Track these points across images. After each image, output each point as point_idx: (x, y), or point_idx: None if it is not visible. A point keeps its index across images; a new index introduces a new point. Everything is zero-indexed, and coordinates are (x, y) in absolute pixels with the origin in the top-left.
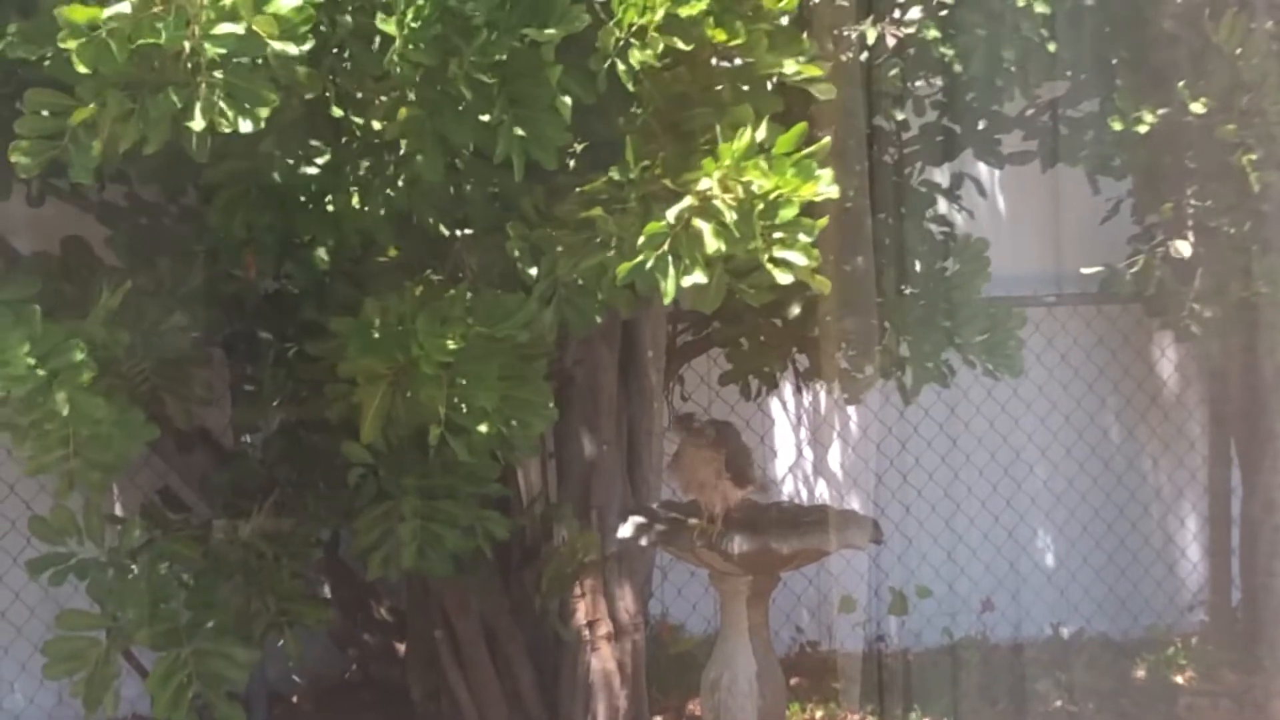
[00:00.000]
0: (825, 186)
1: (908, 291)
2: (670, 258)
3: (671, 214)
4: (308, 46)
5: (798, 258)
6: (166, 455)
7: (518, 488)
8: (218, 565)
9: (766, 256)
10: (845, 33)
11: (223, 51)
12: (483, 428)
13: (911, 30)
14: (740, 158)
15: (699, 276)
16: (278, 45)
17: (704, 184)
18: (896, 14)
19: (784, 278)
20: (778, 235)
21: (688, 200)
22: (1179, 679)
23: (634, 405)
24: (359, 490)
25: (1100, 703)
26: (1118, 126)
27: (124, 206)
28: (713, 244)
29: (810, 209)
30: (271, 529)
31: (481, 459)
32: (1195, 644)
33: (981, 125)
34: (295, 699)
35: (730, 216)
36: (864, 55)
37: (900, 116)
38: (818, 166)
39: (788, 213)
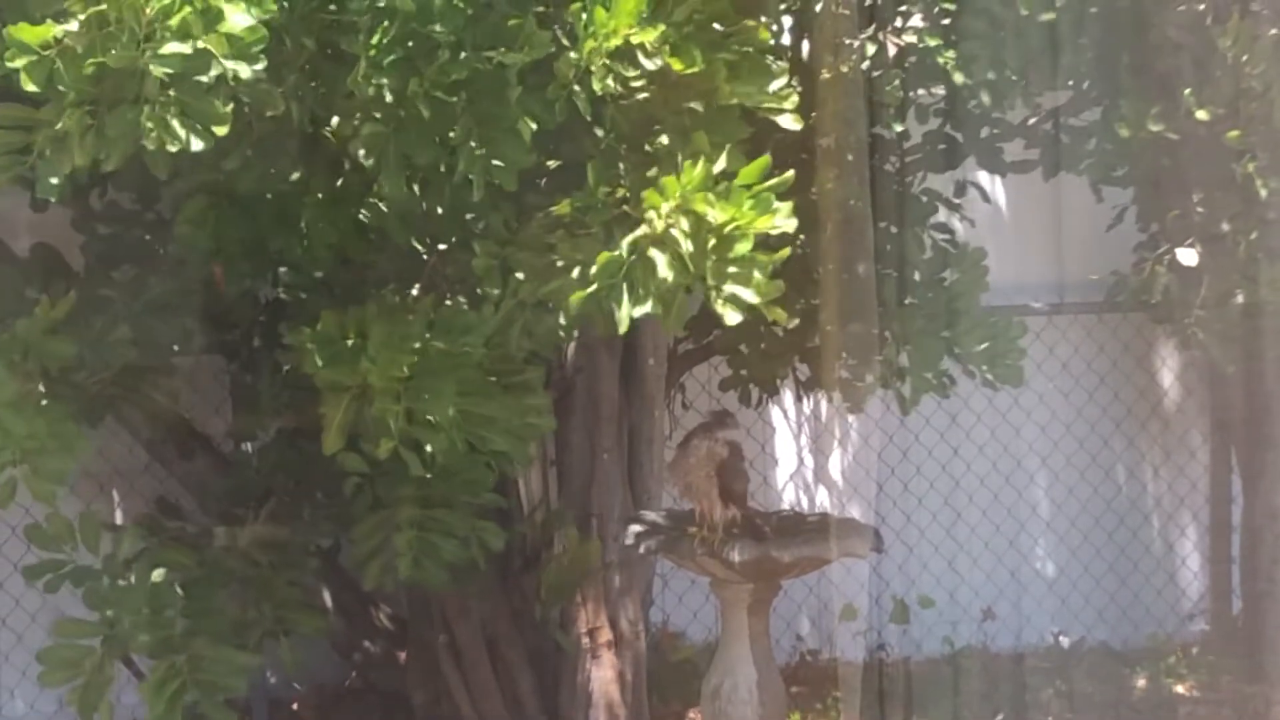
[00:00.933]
0: (782, 220)
1: (908, 301)
2: (624, 287)
3: (626, 244)
4: (260, 66)
5: (749, 295)
6: (167, 463)
7: (518, 495)
8: (214, 573)
9: (715, 295)
10: (846, 41)
11: (170, 71)
12: (438, 442)
13: (913, 39)
14: (693, 189)
15: (648, 307)
16: (230, 65)
17: (651, 214)
18: (898, 22)
19: (733, 317)
20: (731, 269)
21: (642, 230)
22: (1180, 688)
23: (635, 412)
24: (355, 499)
25: (1101, 712)
26: (1125, 134)
27: (98, 213)
28: (665, 274)
29: (770, 241)
30: (268, 537)
31: (474, 469)
32: (1196, 653)
33: (984, 133)
34: (296, 706)
35: (686, 247)
36: (865, 64)
37: (901, 126)
38: (776, 200)
39: (742, 247)
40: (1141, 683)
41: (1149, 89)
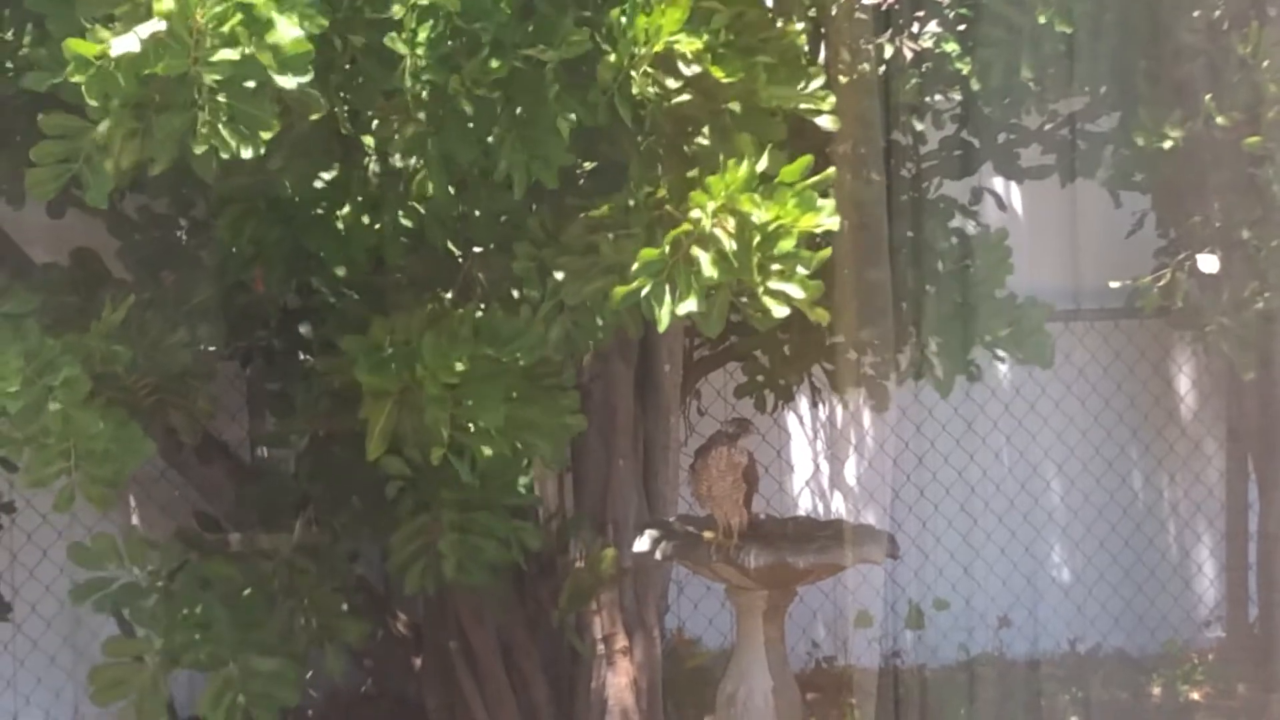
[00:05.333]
0: (826, 218)
1: (931, 290)
2: (666, 285)
3: (668, 241)
4: (307, 78)
5: (794, 290)
6: (184, 469)
7: (534, 501)
8: (259, 583)
9: (762, 289)
10: (863, 46)
11: (219, 78)
12: (487, 450)
13: (929, 44)
14: (737, 188)
15: (693, 304)
16: (277, 77)
17: (696, 214)
18: (915, 28)
19: (779, 310)
20: (775, 267)
21: (684, 227)
22: (1196, 695)
23: (650, 419)
24: (396, 504)
25: (1116, 719)
26: (1141, 141)
27: (135, 219)
28: (710, 272)
29: (817, 241)
30: (310, 545)
31: (511, 470)
32: (1212, 660)
33: (1000, 139)
34: (311, 713)
35: (729, 246)
36: (881, 69)
37: (919, 129)
38: (820, 197)
39: (786, 244)
40: (1157, 690)
41: (1166, 95)
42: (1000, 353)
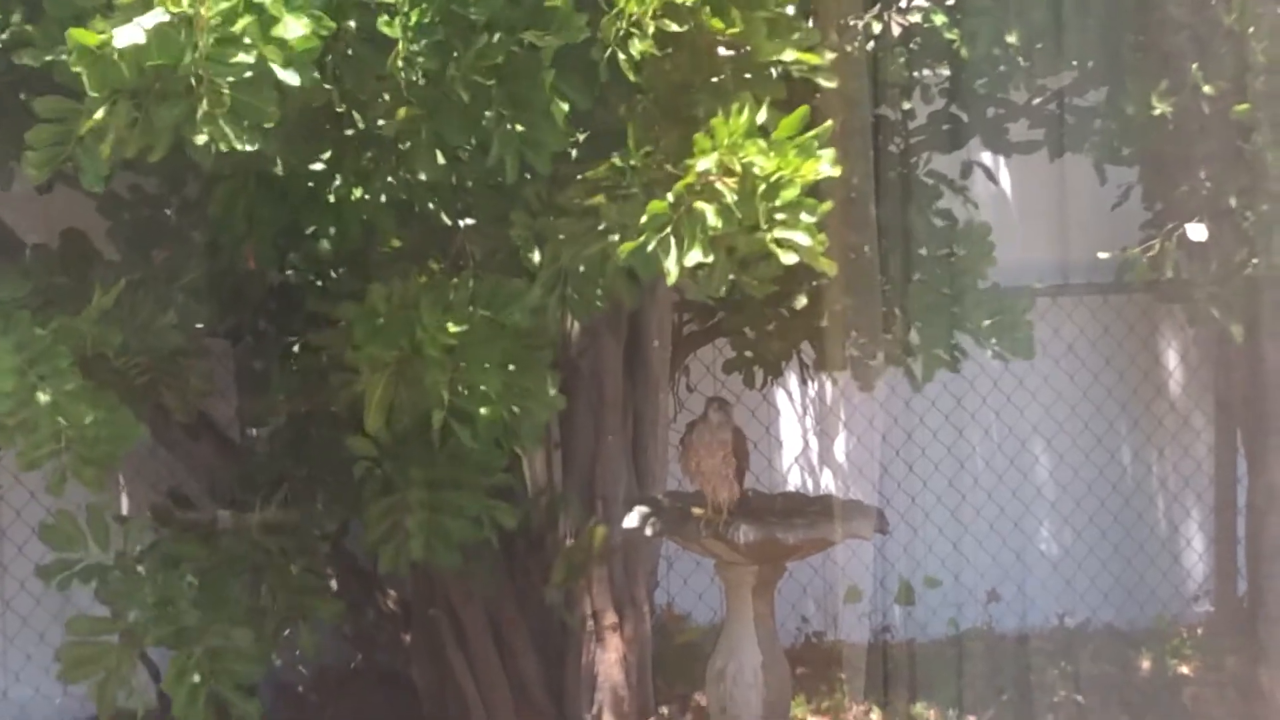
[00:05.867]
0: (826, 167)
1: (916, 278)
2: (672, 239)
3: (672, 194)
4: (311, 76)
5: (802, 238)
6: (173, 447)
7: (523, 477)
8: (227, 562)
9: (770, 237)
10: (851, 21)
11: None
12: (485, 412)
13: (918, 18)
14: (739, 136)
15: (699, 255)
16: (281, 74)
17: (702, 164)
18: (903, 2)
19: (788, 258)
20: (780, 216)
21: (689, 180)
22: (1185, 669)
23: (639, 395)
24: (365, 483)
25: (1106, 693)
26: (1130, 111)
27: (125, 198)
28: (715, 223)
29: (815, 193)
30: (280, 523)
31: (487, 448)
32: (1201, 634)
33: (989, 114)
34: (301, 689)
35: (732, 198)
36: (870, 44)
37: (906, 105)
38: (819, 147)
39: (789, 193)
40: (1146, 664)
41: (1153, 67)
42: (983, 342)
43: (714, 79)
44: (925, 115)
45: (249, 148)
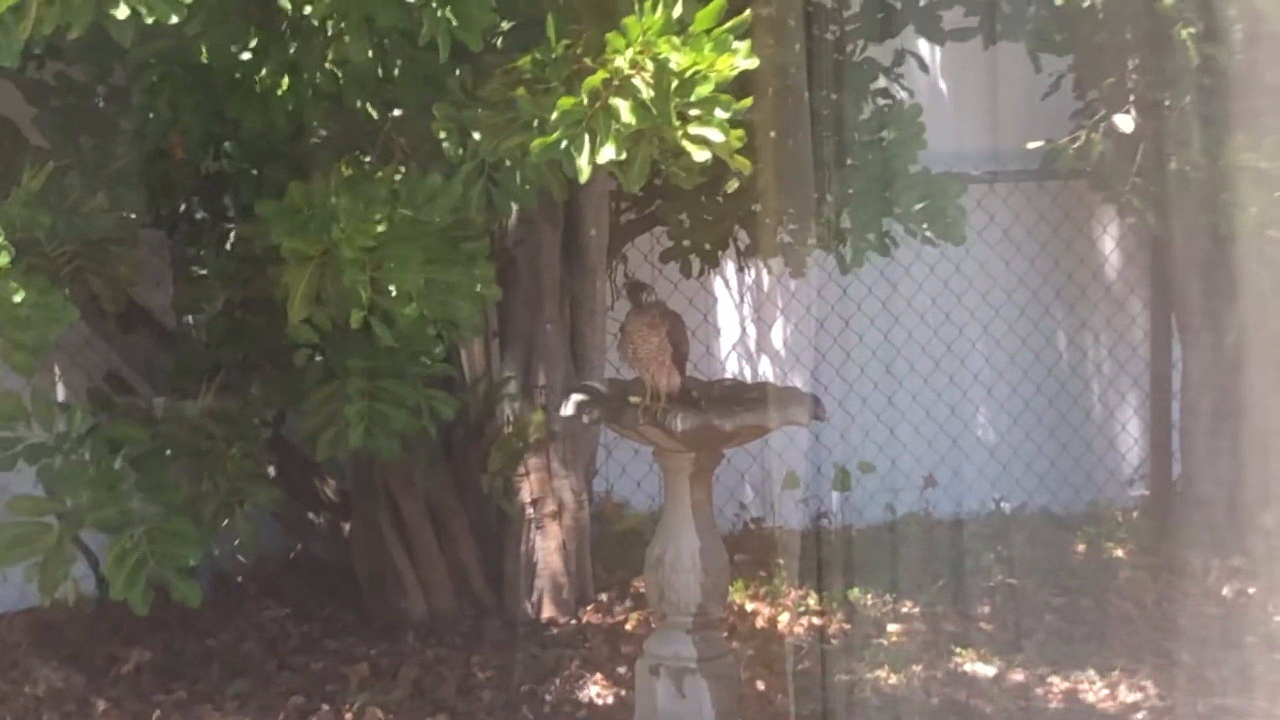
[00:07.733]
0: (742, 60)
1: (848, 163)
2: (585, 135)
3: (586, 90)
4: None
5: (714, 134)
6: (109, 337)
7: (461, 367)
8: (166, 447)
9: (683, 133)
10: None
11: None
12: (407, 311)
13: None
14: (654, 33)
15: (611, 152)
16: None
17: (618, 61)
18: None
19: (700, 155)
20: (694, 112)
21: (601, 76)
22: (1120, 552)
23: (577, 284)
24: (305, 372)
25: (1042, 577)
26: (1060, 1)
27: (52, 85)
28: (628, 119)
29: (740, 86)
30: (218, 410)
31: (423, 339)
32: (1136, 517)
33: (922, 1)
34: (240, 579)
35: (647, 94)
36: None
37: None
38: (735, 40)
39: (704, 89)
40: (1082, 548)
41: None
42: (912, 227)
43: None
44: (859, 3)
45: (172, 19)
